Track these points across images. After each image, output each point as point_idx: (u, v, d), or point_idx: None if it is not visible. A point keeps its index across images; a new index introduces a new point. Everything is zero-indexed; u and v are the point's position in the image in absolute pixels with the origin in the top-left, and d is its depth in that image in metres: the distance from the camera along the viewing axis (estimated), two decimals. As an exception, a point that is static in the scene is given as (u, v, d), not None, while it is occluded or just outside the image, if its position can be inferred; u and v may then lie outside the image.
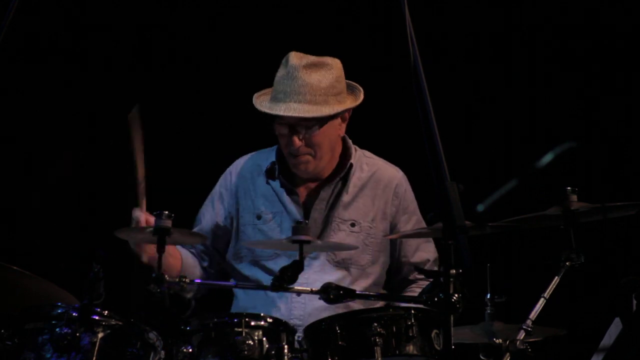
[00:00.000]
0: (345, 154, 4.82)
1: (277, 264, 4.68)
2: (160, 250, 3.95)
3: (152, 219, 4.15)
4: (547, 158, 5.87)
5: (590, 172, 5.85)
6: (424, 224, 4.86)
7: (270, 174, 4.81)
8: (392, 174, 4.87)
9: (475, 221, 4.16)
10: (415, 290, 4.84)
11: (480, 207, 5.76)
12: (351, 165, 4.80)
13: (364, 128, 5.81)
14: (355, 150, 4.87)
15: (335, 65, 4.71)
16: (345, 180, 4.79)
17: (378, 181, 4.84)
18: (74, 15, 5.94)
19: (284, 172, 4.81)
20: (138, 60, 5.96)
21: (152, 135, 5.94)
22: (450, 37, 6.00)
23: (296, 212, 4.75)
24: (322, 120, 4.66)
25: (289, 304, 4.66)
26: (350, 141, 4.86)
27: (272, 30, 5.93)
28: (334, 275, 4.69)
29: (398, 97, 5.76)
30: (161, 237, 3.95)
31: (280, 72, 4.69)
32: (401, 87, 5.49)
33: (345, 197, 4.79)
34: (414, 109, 3.38)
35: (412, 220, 4.85)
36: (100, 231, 5.74)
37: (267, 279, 4.69)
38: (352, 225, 4.77)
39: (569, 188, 4.42)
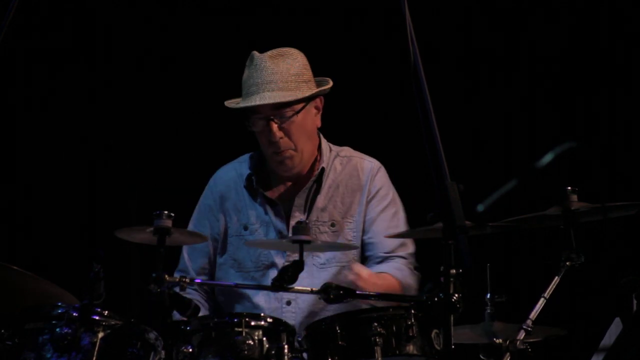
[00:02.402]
0: (320, 154, 4.81)
1: (267, 276, 4.69)
2: (160, 249, 3.95)
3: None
4: (547, 158, 5.87)
5: (590, 172, 5.85)
6: (396, 208, 4.84)
7: (249, 187, 4.80)
8: (365, 166, 4.85)
9: (475, 221, 4.16)
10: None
11: (480, 207, 5.76)
12: (323, 169, 4.78)
13: (363, 127, 5.82)
14: (330, 150, 4.86)
15: (299, 55, 4.72)
16: (319, 183, 4.78)
17: (353, 177, 4.83)
18: (70, 15, 5.94)
19: (262, 181, 4.80)
20: (138, 60, 5.97)
21: (152, 135, 5.96)
22: (450, 37, 6.00)
23: (280, 224, 4.75)
24: (297, 105, 4.65)
25: (279, 314, 4.64)
26: (324, 140, 4.85)
27: (271, 30, 5.93)
28: (321, 278, 4.67)
29: (398, 97, 5.76)
30: (161, 237, 3.94)
31: (247, 71, 4.69)
32: (401, 87, 5.50)
33: (321, 200, 4.77)
34: (414, 109, 3.38)
35: (382, 203, 4.81)
36: (100, 231, 5.76)
37: (254, 293, 4.71)
38: (332, 225, 4.77)
39: (569, 188, 4.41)
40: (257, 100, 4.61)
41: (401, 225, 4.82)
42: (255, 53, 4.70)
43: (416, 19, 3.45)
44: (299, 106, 4.66)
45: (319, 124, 4.78)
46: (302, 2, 5.98)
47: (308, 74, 4.71)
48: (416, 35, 3.41)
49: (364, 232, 4.79)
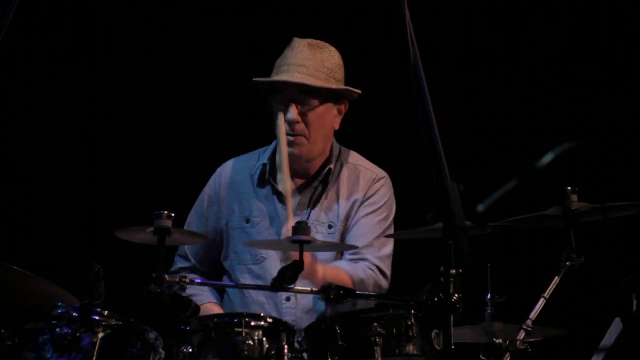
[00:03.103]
0: (329, 156, 4.81)
1: (263, 268, 4.69)
2: (160, 249, 3.95)
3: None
4: (547, 158, 5.87)
5: (590, 172, 5.85)
6: (382, 217, 4.79)
7: (261, 178, 4.80)
8: (369, 175, 4.83)
9: (475, 221, 4.16)
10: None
11: (480, 207, 5.76)
12: (330, 170, 4.78)
13: (363, 127, 5.82)
14: (340, 153, 4.85)
15: (336, 54, 4.72)
16: (324, 184, 4.78)
17: (355, 183, 4.82)
18: (70, 15, 5.94)
19: (275, 176, 4.79)
20: (138, 60, 5.97)
21: (152, 135, 5.96)
22: (450, 37, 6.00)
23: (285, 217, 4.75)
24: (322, 98, 4.65)
25: (279, 309, 4.66)
26: (337, 143, 4.84)
27: (271, 30, 5.93)
28: None
29: (398, 97, 5.76)
30: (161, 237, 3.94)
31: (284, 53, 4.69)
32: (401, 87, 5.50)
33: (324, 201, 4.77)
34: (414, 109, 3.38)
35: (369, 209, 4.76)
36: (100, 231, 5.75)
37: (253, 282, 4.70)
38: (329, 227, 4.76)
39: (569, 188, 4.42)
40: (285, 77, 4.61)
41: (379, 232, 4.76)
42: (296, 38, 4.69)
43: (416, 19, 3.45)
44: (323, 98, 4.65)
45: (337, 126, 4.77)
46: (302, 2, 5.98)
47: (340, 74, 4.71)
48: (416, 35, 3.41)
49: (346, 231, 4.79)
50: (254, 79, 4.71)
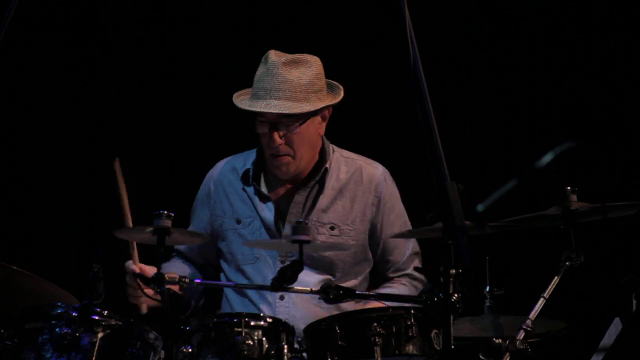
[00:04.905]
0: (322, 156, 4.81)
1: (256, 268, 4.70)
2: (160, 249, 3.96)
3: (147, 269, 4.21)
4: (547, 158, 5.87)
5: (590, 172, 5.85)
6: (404, 218, 4.87)
7: (245, 180, 4.81)
8: (372, 172, 4.86)
9: (475, 221, 4.16)
10: (390, 287, 4.85)
11: (480, 207, 5.75)
12: (326, 169, 4.79)
13: (363, 127, 5.82)
14: (333, 151, 4.87)
15: (314, 63, 4.70)
16: (321, 184, 4.79)
17: (357, 182, 4.83)
18: (70, 15, 5.95)
19: (261, 176, 4.81)
20: (138, 61, 5.97)
21: (152, 135, 5.96)
22: (450, 37, 6.00)
23: (270, 219, 4.76)
24: (302, 118, 4.65)
25: (272, 308, 4.66)
26: (327, 142, 4.86)
27: (270, 28, 5.93)
28: (316, 278, 4.69)
29: (398, 97, 5.76)
30: (161, 237, 3.95)
31: (260, 70, 4.69)
32: (401, 87, 5.50)
33: (323, 201, 4.78)
34: (414, 109, 3.38)
35: (392, 216, 4.84)
36: (100, 231, 5.75)
37: (247, 283, 4.72)
38: (332, 228, 4.77)
39: (569, 188, 4.42)
40: (262, 107, 4.61)
41: (410, 239, 4.88)
42: (271, 55, 4.69)
43: (416, 20, 3.45)
44: (305, 117, 4.66)
45: (322, 132, 4.79)
46: (302, 2, 5.98)
47: (320, 83, 4.70)
48: (416, 35, 3.41)
49: (375, 242, 4.82)
50: (234, 101, 4.71)
